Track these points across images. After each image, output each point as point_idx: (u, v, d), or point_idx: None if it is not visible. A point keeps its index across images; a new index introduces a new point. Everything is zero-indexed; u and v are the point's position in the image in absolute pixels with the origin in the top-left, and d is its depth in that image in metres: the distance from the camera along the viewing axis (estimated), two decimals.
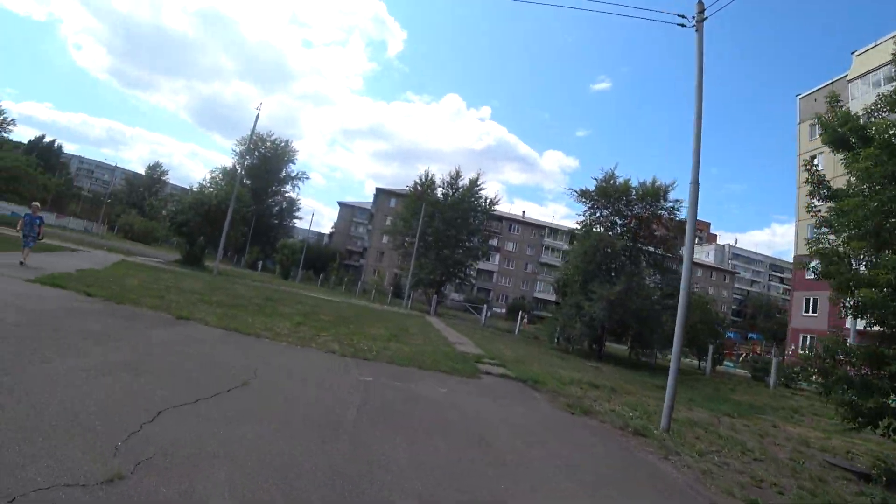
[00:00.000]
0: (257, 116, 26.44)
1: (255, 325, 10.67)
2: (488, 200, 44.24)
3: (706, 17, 9.51)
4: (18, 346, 5.46)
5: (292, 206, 76.48)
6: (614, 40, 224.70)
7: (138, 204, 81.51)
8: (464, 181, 44.20)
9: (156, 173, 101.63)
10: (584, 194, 27.35)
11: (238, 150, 72.33)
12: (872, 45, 33.80)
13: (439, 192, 43.88)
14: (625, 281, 22.66)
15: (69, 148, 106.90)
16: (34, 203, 15.13)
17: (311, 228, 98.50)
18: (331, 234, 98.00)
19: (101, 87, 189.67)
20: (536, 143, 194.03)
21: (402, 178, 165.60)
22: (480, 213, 43.58)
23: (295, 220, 79.38)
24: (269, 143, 73.34)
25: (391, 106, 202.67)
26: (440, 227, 41.29)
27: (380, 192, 75.71)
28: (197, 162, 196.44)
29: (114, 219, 70.43)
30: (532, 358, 16.63)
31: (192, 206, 29.31)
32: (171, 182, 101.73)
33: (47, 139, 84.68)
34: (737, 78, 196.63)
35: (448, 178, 44.22)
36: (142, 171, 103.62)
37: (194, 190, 31.83)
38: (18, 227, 14.31)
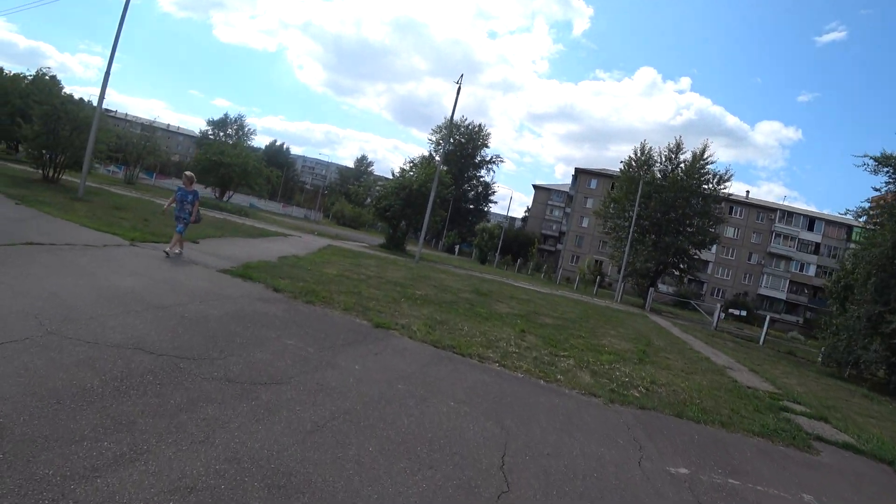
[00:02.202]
0: (458, 90, 23.63)
1: (473, 338, 7.68)
2: (717, 177, 36.73)
3: None
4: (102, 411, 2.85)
5: (488, 190, 75.47)
6: None
7: (348, 193, 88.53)
8: (685, 155, 37.36)
9: (363, 165, 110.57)
10: (886, 160, 19.68)
11: (434, 139, 73.73)
12: None
13: (656, 169, 37.68)
14: None
15: (296, 150, 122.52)
16: (187, 173, 10.79)
17: (501, 213, 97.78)
18: (524, 219, 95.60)
19: (319, 97, 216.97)
20: (747, 113, 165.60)
21: (594, 159, 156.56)
22: (707, 193, 36.31)
23: (490, 205, 78.45)
24: (463, 129, 73.21)
25: (579, 86, 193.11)
26: (659, 210, 35.30)
27: (579, 173, 70.36)
28: (398, 155, 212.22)
29: (328, 207, 77.24)
30: (833, 397, 11.31)
31: (394, 190, 28.42)
32: (375, 173, 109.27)
33: (278, 143, 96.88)
34: None
35: (667, 153, 37.74)
36: (352, 165, 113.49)
37: (396, 176, 31.07)
38: (166, 207, 10.91)
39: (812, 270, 65.87)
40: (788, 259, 65.99)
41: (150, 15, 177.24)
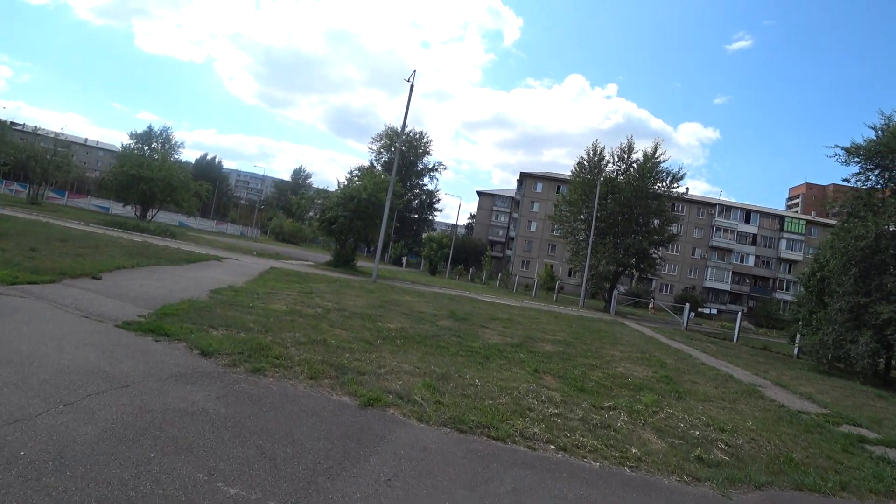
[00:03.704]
0: (412, 87, 21.41)
1: (495, 399, 5.60)
2: (671, 176, 36.31)
3: None
4: None
5: (432, 198, 73.43)
6: None
7: (286, 207, 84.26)
8: (636, 154, 36.73)
9: (300, 177, 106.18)
10: (856, 150, 19.14)
11: (375, 147, 71.12)
12: None
13: (608, 169, 36.81)
14: None
15: (229, 164, 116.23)
16: None
17: (444, 221, 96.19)
18: (468, 226, 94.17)
19: (252, 110, 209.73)
20: (669, 116, 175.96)
21: (528, 164, 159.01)
22: (662, 192, 35.79)
23: (436, 213, 76.49)
24: (403, 137, 70.90)
25: (511, 94, 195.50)
26: (616, 210, 34.38)
27: (524, 177, 69.50)
28: (335, 167, 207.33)
29: (266, 222, 72.90)
30: (863, 405, 10.80)
31: (340, 201, 25.79)
32: (314, 185, 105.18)
33: (209, 156, 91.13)
34: None
35: (619, 153, 36.96)
36: (288, 178, 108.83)
37: (341, 185, 28.38)
38: None
39: (751, 261, 68.57)
40: (729, 251, 68.20)
41: (64, 22, 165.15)
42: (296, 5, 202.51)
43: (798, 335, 21.74)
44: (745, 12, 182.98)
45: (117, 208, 39.67)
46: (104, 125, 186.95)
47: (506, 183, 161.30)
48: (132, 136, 70.47)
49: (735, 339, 23.92)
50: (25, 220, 18.78)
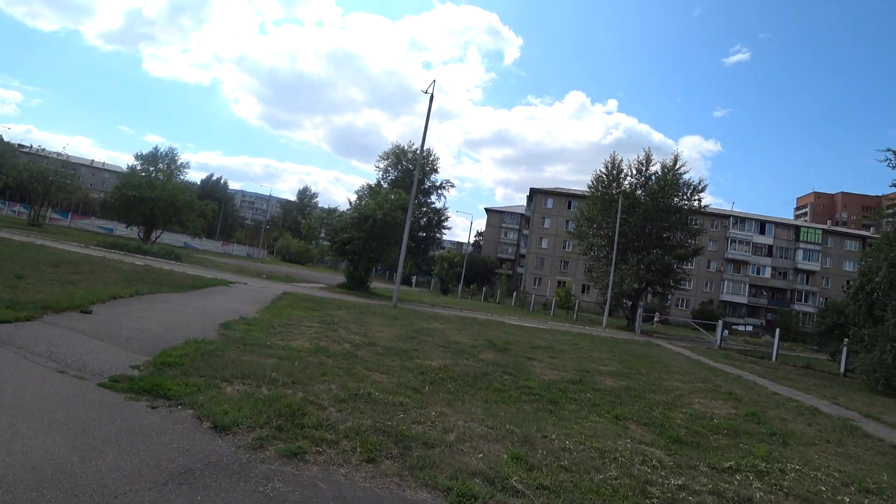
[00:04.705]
0: (431, 98, 20.24)
1: (608, 476, 4.22)
2: (692, 188, 34.94)
3: None
4: None
5: (440, 216, 72.03)
6: (746, 3, 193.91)
7: (293, 227, 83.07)
8: (654, 167, 35.43)
9: (306, 197, 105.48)
10: None
11: (382, 166, 70.01)
12: None
13: (627, 183, 35.45)
14: None
15: (234, 185, 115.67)
16: None
17: (450, 239, 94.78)
18: (476, 243, 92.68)
19: (256, 131, 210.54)
20: (670, 129, 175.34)
21: (530, 181, 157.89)
22: (683, 205, 34.37)
23: (444, 231, 75.10)
24: (410, 155, 69.87)
25: (513, 112, 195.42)
26: (638, 225, 32.94)
27: (534, 193, 68.20)
28: (339, 186, 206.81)
29: (272, 243, 71.73)
30: None
31: (353, 222, 24.49)
32: (320, 205, 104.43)
33: (215, 177, 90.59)
34: None
35: (636, 165, 35.64)
36: (294, 198, 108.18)
37: (352, 205, 27.04)
38: None
39: (768, 272, 66.84)
40: (745, 263, 66.49)
41: (74, 48, 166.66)
42: (299, 29, 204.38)
43: (844, 351, 20.21)
44: (742, 26, 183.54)
45: (121, 230, 38.57)
46: (111, 147, 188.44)
47: (508, 200, 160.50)
48: (138, 157, 70.24)
49: (774, 358, 22.37)
50: (17, 243, 17.48)
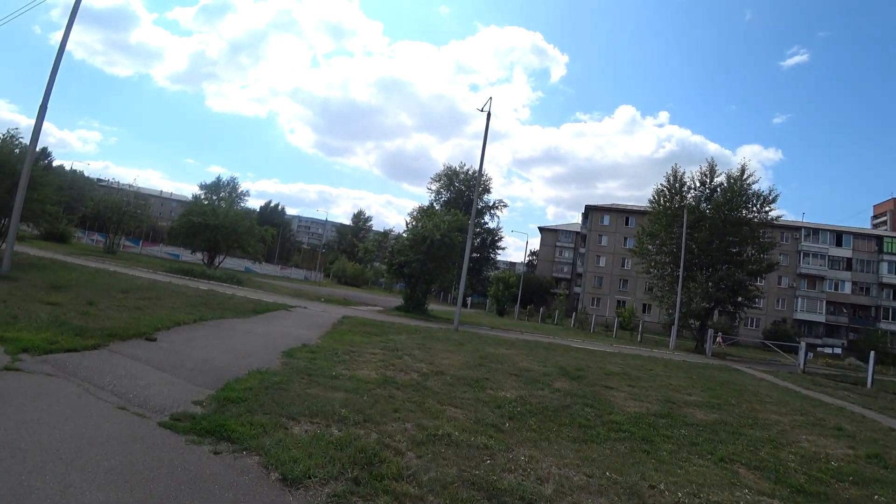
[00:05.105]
0: (488, 116, 19.87)
1: None
2: (762, 199, 32.77)
3: None
4: None
5: (494, 236, 71.33)
6: (801, 2, 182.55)
7: (347, 250, 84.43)
8: (719, 178, 33.56)
9: (360, 220, 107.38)
10: None
11: (434, 188, 70.30)
12: None
13: (690, 196, 33.74)
14: None
15: (291, 211, 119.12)
16: None
17: (502, 259, 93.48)
18: (530, 263, 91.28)
19: (311, 159, 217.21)
20: (726, 139, 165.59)
21: (583, 198, 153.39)
22: (754, 218, 32.26)
23: (498, 252, 74.27)
24: (462, 176, 69.84)
25: (561, 129, 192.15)
26: (703, 240, 31.18)
27: (590, 210, 66.60)
28: (391, 209, 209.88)
29: (328, 266, 73.02)
30: None
31: (410, 244, 24.28)
32: (373, 228, 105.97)
33: (273, 204, 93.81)
34: None
35: (699, 177, 33.91)
36: (348, 222, 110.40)
37: (409, 226, 26.83)
38: None
39: (847, 288, 61.33)
40: (821, 278, 61.47)
41: (145, 90, 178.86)
42: (349, 60, 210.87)
43: None
44: (798, 26, 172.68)
45: (186, 255, 40.05)
46: (178, 179, 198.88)
47: (560, 218, 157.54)
48: (202, 186, 73.75)
49: (870, 384, 20.19)
50: (92, 270, 18.12)
